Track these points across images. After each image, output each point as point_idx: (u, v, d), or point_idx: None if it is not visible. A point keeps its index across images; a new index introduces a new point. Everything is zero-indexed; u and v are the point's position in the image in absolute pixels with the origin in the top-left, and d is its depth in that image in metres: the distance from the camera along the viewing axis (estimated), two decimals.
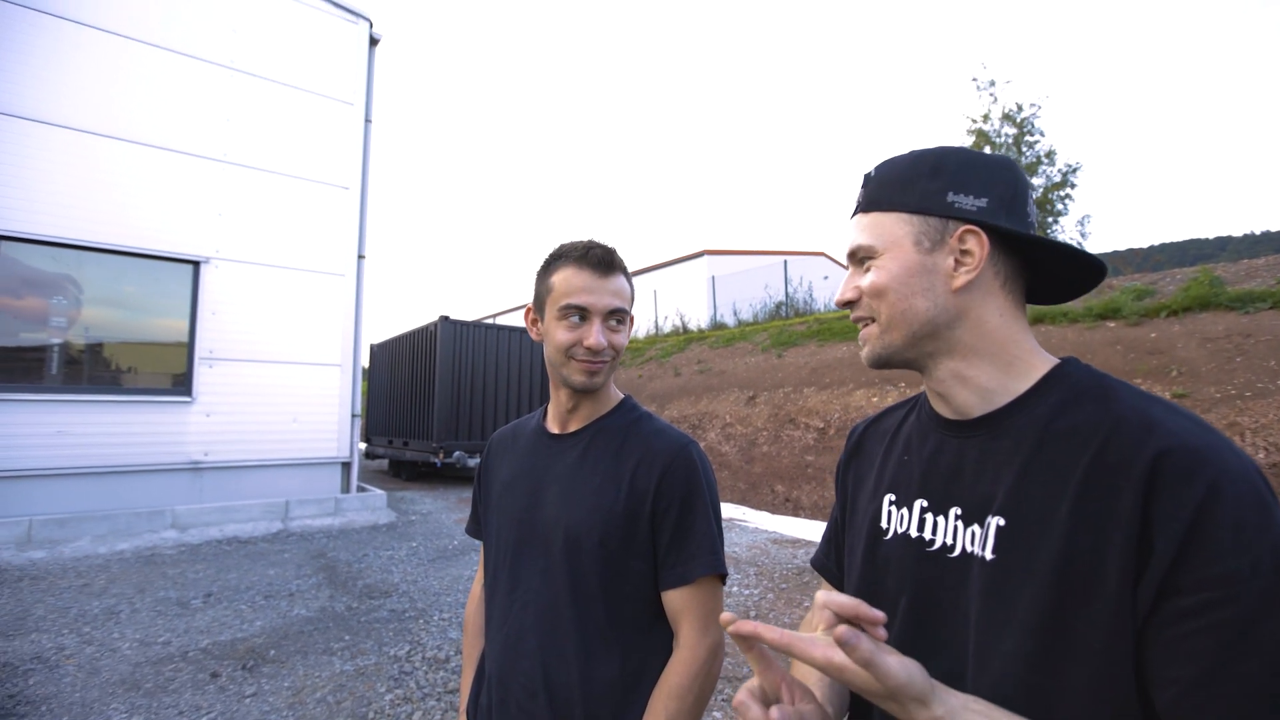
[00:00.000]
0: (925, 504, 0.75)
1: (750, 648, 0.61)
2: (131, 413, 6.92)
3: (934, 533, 0.73)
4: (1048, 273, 0.75)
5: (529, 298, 1.23)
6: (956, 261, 0.71)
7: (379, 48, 9.24)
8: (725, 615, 0.59)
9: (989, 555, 0.66)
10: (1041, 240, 0.71)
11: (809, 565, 5.59)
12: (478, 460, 10.89)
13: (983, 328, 0.71)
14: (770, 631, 0.57)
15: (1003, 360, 0.71)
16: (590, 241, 1.12)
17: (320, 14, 8.60)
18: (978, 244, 0.70)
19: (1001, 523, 0.65)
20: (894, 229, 0.73)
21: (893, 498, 0.80)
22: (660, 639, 1.09)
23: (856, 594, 0.82)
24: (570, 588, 1.07)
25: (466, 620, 1.33)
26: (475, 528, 1.33)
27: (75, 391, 6.69)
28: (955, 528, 0.71)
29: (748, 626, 0.57)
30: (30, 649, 3.64)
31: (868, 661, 0.53)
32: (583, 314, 1.08)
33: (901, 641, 0.74)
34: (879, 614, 0.57)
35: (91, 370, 6.97)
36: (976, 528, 0.68)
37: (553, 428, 1.21)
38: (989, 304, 0.71)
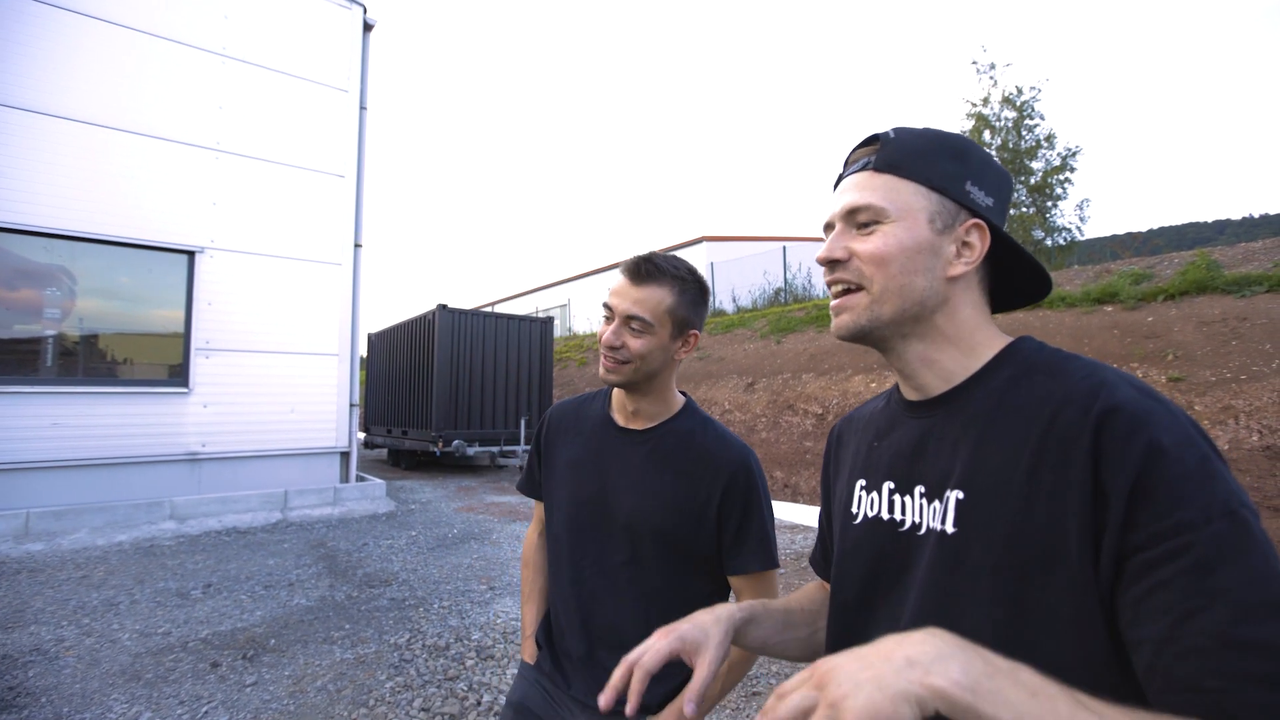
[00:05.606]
0: (893, 485, 0.76)
1: None
2: (128, 404, 6.90)
3: (903, 513, 0.74)
4: (1008, 281, 0.78)
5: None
6: (958, 250, 0.72)
7: (373, 34, 9.12)
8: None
9: (949, 529, 0.67)
10: (1024, 252, 0.74)
11: (808, 551, 5.61)
12: (477, 449, 10.84)
13: (957, 317, 0.74)
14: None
15: (966, 346, 0.74)
16: (644, 255, 1.21)
17: None
18: (980, 239, 0.72)
19: (960, 495, 0.66)
20: (912, 199, 0.71)
21: (863, 483, 0.81)
22: None
23: (834, 579, 0.84)
24: (639, 568, 1.21)
25: (526, 556, 1.47)
26: (530, 487, 1.44)
27: (70, 383, 6.66)
28: (920, 505, 0.72)
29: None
30: (29, 641, 3.64)
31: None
32: (610, 313, 1.19)
33: (868, 622, 0.76)
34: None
35: (87, 362, 6.94)
36: (938, 503, 0.69)
37: (619, 420, 1.29)
38: (967, 297, 0.74)
